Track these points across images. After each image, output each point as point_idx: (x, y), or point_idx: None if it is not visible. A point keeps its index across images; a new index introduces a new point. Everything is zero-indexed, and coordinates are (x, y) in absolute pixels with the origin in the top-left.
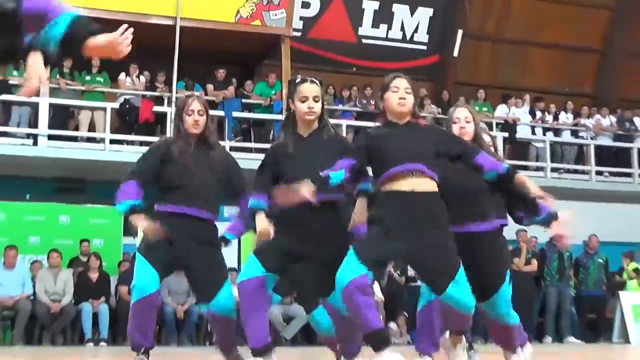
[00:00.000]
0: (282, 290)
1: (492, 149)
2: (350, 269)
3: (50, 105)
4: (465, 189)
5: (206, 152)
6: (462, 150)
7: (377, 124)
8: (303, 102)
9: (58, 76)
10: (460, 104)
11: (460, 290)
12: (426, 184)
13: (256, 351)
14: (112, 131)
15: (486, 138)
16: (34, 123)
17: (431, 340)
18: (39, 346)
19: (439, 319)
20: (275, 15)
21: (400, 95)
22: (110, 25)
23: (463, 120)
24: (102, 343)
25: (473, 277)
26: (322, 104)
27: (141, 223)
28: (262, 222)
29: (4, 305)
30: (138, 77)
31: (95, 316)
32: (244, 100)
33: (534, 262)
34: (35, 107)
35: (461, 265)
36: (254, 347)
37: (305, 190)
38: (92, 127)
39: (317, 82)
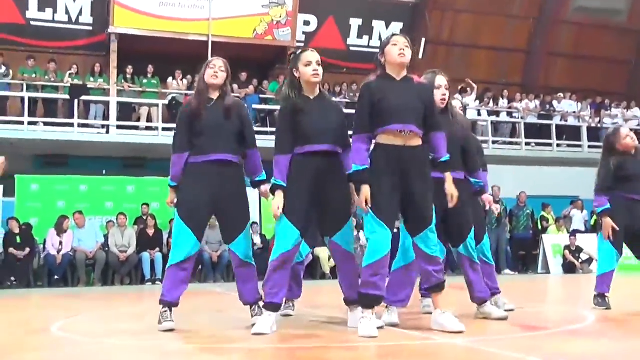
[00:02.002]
0: (311, 242)
1: (462, 111)
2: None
3: (118, 103)
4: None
5: (224, 104)
6: (432, 121)
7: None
8: (308, 65)
9: (123, 81)
10: (438, 72)
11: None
12: (416, 139)
13: (271, 306)
14: (164, 121)
15: (457, 104)
16: (106, 116)
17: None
18: (112, 286)
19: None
20: (283, 31)
21: (400, 47)
22: (160, 42)
23: (444, 87)
24: (158, 282)
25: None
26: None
27: (170, 196)
28: (278, 201)
29: (86, 255)
30: (182, 80)
31: (152, 262)
32: (261, 96)
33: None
34: (107, 104)
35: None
36: (273, 302)
37: None
38: (149, 119)
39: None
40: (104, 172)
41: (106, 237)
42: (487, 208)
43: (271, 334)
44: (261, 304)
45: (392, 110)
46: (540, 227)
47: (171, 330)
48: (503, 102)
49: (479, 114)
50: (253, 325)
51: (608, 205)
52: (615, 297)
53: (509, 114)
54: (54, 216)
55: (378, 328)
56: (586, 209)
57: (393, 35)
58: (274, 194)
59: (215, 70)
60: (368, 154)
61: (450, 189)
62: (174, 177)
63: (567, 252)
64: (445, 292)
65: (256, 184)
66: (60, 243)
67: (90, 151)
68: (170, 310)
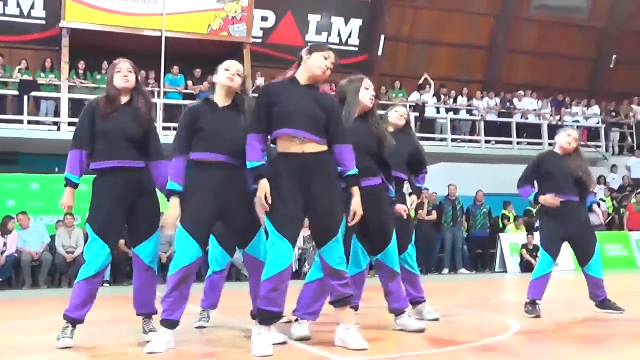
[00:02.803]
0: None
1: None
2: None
3: (69, 99)
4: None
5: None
6: (336, 131)
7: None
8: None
9: (75, 77)
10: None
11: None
12: (316, 146)
13: (169, 323)
14: None
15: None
16: (58, 113)
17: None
18: (59, 288)
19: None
20: (238, 27)
21: (327, 65)
22: (113, 37)
23: (372, 89)
24: (106, 285)
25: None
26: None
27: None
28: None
29: (31, 256)
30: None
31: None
32: None
33: (434, 213)
34: (58, 101)
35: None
36: (169, 319)
37: None
38: None
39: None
40: (57, 169)
41: (53, 237)
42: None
43: (165, 352)
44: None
45: (285, 115)
46: (501, 225)
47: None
48: (463, 100)
49: (438, 112)
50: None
51: (535, 191)
52: (557, 302)
53: (469, 112)
54: (3, 215)
55: (279, 344)
56: None
57: (330, 49)
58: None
59: (125, 74)
60: (263, 153)
61: (356, 206)
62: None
63: (524, 250)
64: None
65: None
66: (5, 244)
67: (41, 149)
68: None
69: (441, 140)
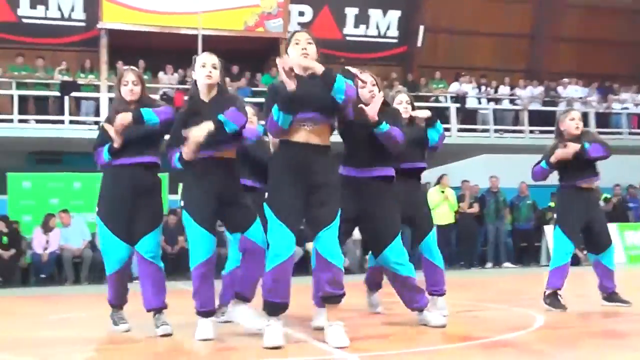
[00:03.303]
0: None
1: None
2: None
3: (109, 99)
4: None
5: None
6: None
7: None
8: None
9: (113, 76)
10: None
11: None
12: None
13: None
14: None
15: (403, 97)
16: (98, 113)
17: None
18: (101, 284)
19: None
20: (274, 23)
21: (303, 47)
22: (150, 36)
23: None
24: (136, 281)
25: None
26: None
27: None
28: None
29: (73, 253)
30: (173, 74)
31: None
32: (254, 89)
33: (476, 205)
34: (97, 101)
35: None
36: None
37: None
38: None
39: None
40: (99, 168)
41: (95, 235)
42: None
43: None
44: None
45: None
46: (547, 217)
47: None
48: (505, 89)
49: (479, 102)
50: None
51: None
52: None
53: (512, 102)
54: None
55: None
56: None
57: (295, 32)
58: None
59: (130, 88)
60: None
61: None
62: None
63: None
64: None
65: None
66: (47, 241)
67: (83, 148)
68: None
69: (483, 131)
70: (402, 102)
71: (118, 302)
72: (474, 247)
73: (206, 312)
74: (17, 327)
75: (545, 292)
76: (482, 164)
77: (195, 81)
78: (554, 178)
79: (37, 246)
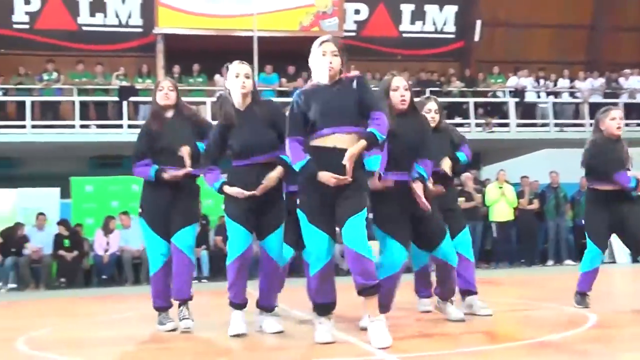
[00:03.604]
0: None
1: (437, 116)
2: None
3: None
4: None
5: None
6: (369, 100)
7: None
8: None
9: None
10: (396, 73)
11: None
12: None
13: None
14: (212, 118)
15: (432, 105)
16: None
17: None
18: None
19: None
20: (330, 22)
21: (328, 59)
22: (206, 39)
23: (402, 89)
24: (204, 280)
25: None
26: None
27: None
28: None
29: (132, 254)
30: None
31: (198, 260)
32: None
33: (536, 202)
34: None
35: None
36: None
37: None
38: None
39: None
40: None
41: None
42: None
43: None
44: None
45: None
46: None
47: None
48: (564, 82)
49: (538, 96)
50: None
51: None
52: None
53: (571, 94)
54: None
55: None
56: None
57: (323, 41)
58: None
59: (165, 92)
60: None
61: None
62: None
63: None
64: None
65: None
66: (108, 243)
67: None
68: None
69: (542, 125)
70: (430, 110)
71: (162, 303)
72: (534, 245)
73: (238, 304)
74: (72, 327)
75: (576, 291)
76: (542, 159)
77: (229, 90)
78: None
79: (98, 248)
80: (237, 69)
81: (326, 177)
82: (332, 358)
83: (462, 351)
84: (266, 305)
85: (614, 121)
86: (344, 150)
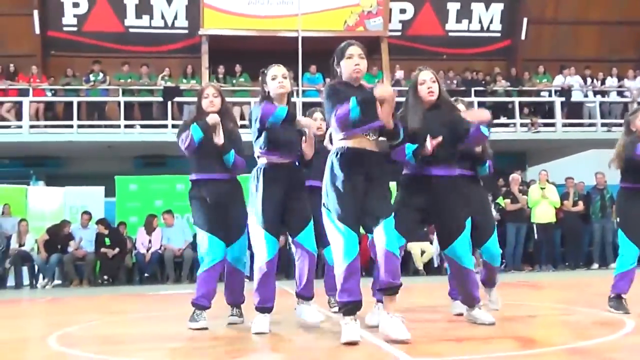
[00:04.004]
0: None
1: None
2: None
3: None
4: None
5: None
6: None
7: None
8: (273, 79)
9: (215, 81)
10: (423, 68)
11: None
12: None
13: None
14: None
15: (460, 107)
16: None
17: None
18: None
19: None
20: (374, 21)
21: (356, 62)
22: (250, 40)
23: (429, 81)
24: (245, 280)
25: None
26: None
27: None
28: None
29: (174, 253)
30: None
31: None
32: None
33: (580, 203)
34: None
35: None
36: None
37: None
38: (242, 117)
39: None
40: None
41: (195, 235)
42: None
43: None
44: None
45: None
46: None
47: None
48: (612, 81)
49: (585, 95)
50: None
51: None
52: None
53: (620, 94)
54: None
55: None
56: None
57: (348, 45)
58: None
59: (210, 100)
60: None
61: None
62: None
63: None
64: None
65: None
66: (150, 241)
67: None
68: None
69: (590, 125)
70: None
71: (205, 302)
72: (579, 247)
73: (264, 308)
74: (106, 325)
75: (610, 296)
76: (589, 160)
77: (268, 92)
78: None
79: (140, 246)
80: (274, 71)
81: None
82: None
83: (492, 356)
84: (306, 295)
85: None
86: (374, 153)
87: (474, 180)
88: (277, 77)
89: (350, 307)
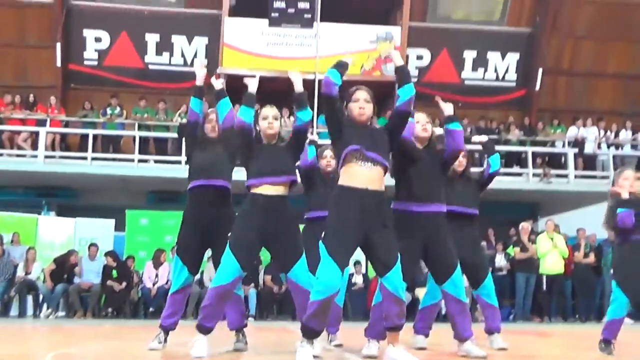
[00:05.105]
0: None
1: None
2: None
3: None
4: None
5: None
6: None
7: None
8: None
9: None
10: (416, 111)
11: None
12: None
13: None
14: None
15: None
16: None
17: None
18: None
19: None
20: (391, 66)
21: (361, 105)
22: (270, 80)
23: (423, 121)
24: (250, 318)
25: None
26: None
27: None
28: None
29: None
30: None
31: (245, 298)
32: None
33: (592, 255)
34: None
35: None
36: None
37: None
38: None
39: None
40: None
41: (202, 272)
42: None
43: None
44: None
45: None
46: None
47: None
48: (627, 134)
49: (599, 147)
50: None
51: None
52: None
53: (634, 147)
54: None
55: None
56: None
57: (356, 89)
58: None
59: (213, 125)
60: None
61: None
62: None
63: None
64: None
65: None
66: (157, 276)
67: None
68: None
69: (603, 177)
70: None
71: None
72: (591, 300)
73: (206, 328)
74: (102, 347)
75: (600, 339)
76: (602, 212)
77: (258, 131)
78: None
79: (147, 280)
80: (266, 112)
81: None
82: None
83: None
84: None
85: (626, 181)
86: (375, 192)
87: (469, 218)
88: (267, 118)
89: (312, 333)
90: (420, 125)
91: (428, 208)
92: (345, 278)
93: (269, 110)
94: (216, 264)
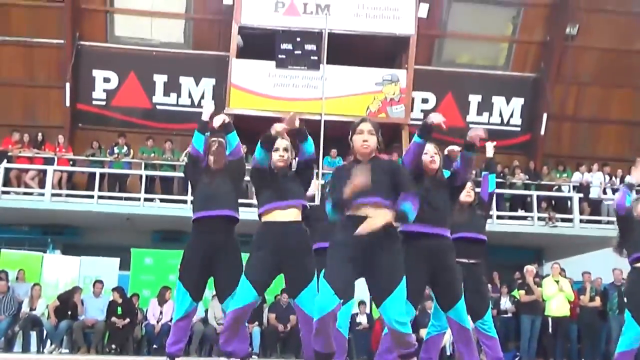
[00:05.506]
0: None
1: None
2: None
3: None
4: None
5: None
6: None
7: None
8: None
9: None
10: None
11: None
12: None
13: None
14: None
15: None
16: None
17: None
18: (209, 357)
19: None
20: (397, 109)
21: (364, 138)
22: (276, 121)
23: (431, 152)
24: (254, 356)
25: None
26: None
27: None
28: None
29: None
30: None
31: (250, 336)
32: None
33: (597, 299)
34: None
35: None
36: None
37: None
38: None
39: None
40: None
41: (207, 311)
42: None
43: None
44: None
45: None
46: None
47: None
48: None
49: (604, 192)
50: None
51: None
52: None
53: (638, 192)
54: None
55: None
56: None
57: (361, 121)
58: None
59: (216, 156)
60: None
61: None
62: None
63: None
64: None
65: None
66: (161, 313)
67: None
68: None
69: (608, 222)
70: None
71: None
72: (596, 344)
73: (227, 352)
74: None
75: None
76: (607, 258)
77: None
78: None
79: (151, 317)
80: (278, 143)
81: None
82: None
83: None
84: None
85: None
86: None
87: (479, 244)
88: (278, 150)
89: (320, 357)
90: (428, 157)
91: (432, 230)
92: (349, 314)
93: (280, 142)
94: (218, 293)
